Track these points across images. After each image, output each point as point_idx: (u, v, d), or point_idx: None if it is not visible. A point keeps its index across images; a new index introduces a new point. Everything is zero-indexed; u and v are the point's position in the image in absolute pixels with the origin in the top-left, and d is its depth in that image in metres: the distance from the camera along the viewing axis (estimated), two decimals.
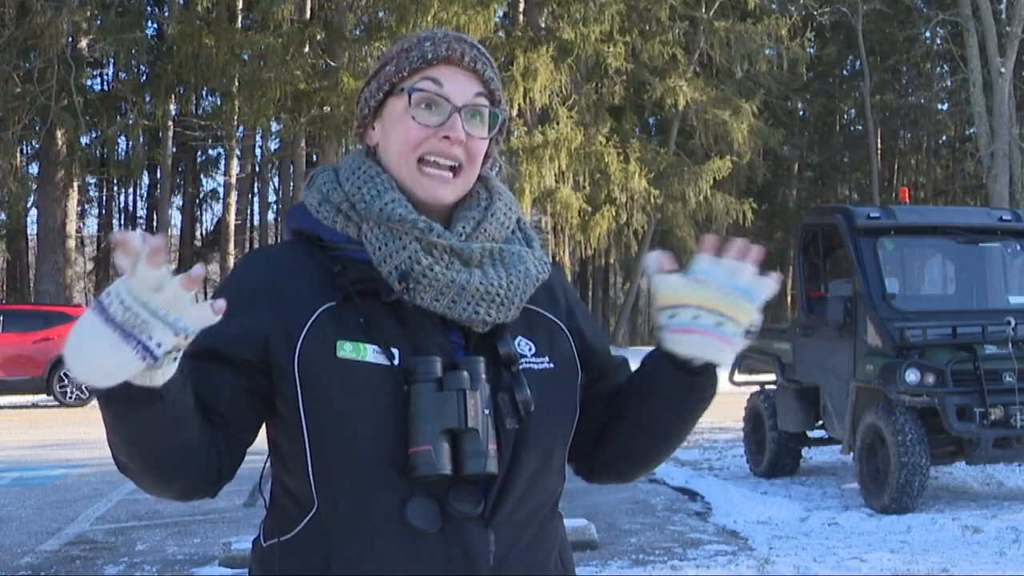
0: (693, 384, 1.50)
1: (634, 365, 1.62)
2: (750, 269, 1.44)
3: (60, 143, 24.71)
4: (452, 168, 1.49)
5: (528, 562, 1.46)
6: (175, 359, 1.23)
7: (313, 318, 1.41)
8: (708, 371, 1.49)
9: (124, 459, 1.36)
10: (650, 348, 1.60)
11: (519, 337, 1.51)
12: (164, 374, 1.24)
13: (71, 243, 26.57)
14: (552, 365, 1.51)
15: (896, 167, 39.67)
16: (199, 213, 40.45)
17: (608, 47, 24.35)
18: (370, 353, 1.40)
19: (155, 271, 1.17)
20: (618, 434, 1.57)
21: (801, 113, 37.61)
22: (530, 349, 1.51)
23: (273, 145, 28.47)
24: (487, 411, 1.40)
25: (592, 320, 1.67)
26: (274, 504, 1.49)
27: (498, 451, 1.40)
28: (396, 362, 1.40)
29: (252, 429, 1.46)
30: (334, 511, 1.41)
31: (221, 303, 1.22)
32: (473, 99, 1.50)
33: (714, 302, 1.43)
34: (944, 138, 39.00)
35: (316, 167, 1.62)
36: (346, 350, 1.40)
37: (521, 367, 1.47)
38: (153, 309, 1.17)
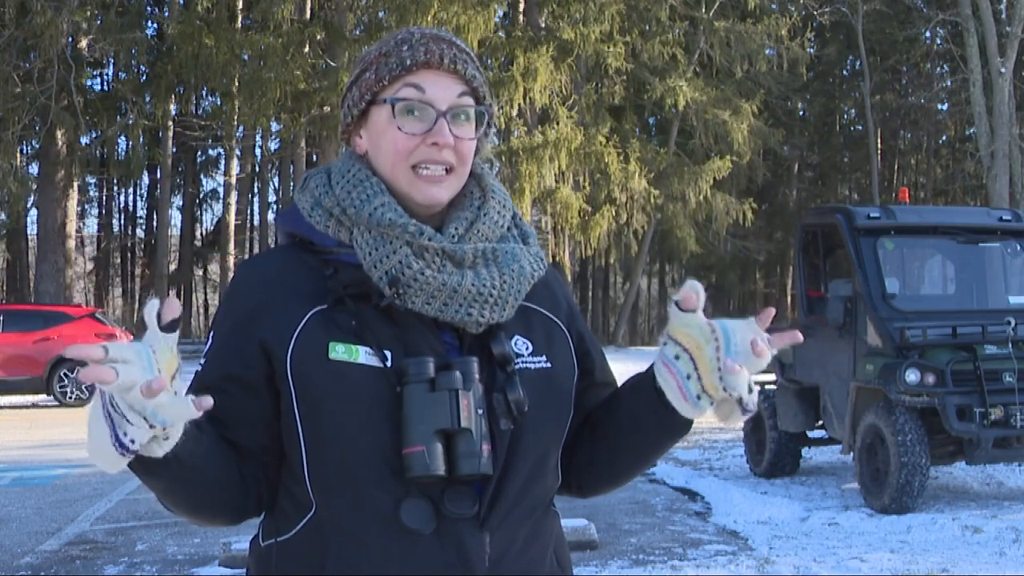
0: (662, 414, 1.44)
1: (632, 368, 1.61)
2: (760, 347, 1.36)
3: (60, 143, 24.70)
4: (445, 169, 1.48)
5: (524, 562, 1.45)
6: (166, 438, 1.24)
7: (304, 321, 1.41)
8: (677, 411, 1.42)
9: (168, 506, 1.42)
10: (650, 348, 1.58)
11: (516, 336, 1.49)
12: (163, 447, 1.25)
13: (71, 243, 26.56)
14: (550, 364, 1.50)
15: (896, 167, 39.68)
16: (199, 213, 40.48)
17: (608, 47, 24.35)
18: (362, 355, 1.39)
19: (130, 376, 1.17)
20: (587, 445, 1.55)
21: (801, 113, 37.61)
22: (527, 348, 1.49)
23: (273, 145, 28.47)
24: (480, 411, 1.39)
25: (587, 328, 1.65)
26: (274, 505, 1.49)
27: (492, 451, 1.40)
28: (389, 364, 1.40)
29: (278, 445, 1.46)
30: (331, 513, 1.41)
31: (208, 400, 1.23)
32: (457, 100, 1.48)
33: (700, 355, 1.37)
34: (944, 138, 38.98)
35: (315, 167, 1.61)
36: (338, 352, 1.39)
37: (517, 366, 1.46)
38: (130, 404, 1.19)
